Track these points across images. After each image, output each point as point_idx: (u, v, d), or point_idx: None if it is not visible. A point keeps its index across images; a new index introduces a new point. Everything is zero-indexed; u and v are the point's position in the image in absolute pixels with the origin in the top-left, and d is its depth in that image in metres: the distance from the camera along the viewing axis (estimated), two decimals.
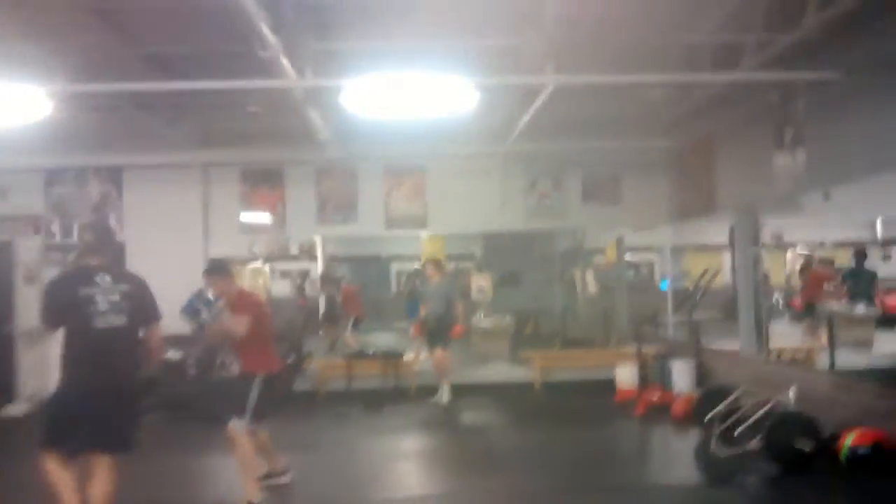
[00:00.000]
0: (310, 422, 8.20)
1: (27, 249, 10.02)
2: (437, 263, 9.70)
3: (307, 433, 7.61)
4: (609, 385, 9.22)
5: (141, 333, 4.59)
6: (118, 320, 4.37)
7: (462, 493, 5.76)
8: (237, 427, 5.19)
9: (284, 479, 5.75)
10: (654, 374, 9.01)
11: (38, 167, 9.91)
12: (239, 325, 5.24)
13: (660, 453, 7.39)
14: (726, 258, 12.26)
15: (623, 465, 6.67)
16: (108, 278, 4.42)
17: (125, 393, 4.48)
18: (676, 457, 6.93)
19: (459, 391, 9.46)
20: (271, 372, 5.47)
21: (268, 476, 5.69)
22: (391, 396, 9.20)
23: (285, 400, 5.76)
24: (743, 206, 8.25)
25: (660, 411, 8.00)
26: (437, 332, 9.24)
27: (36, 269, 9.97)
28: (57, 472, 4.33)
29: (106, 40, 6.39)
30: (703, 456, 6.44)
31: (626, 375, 9.19)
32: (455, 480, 6.17)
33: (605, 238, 14.86)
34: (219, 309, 5.21)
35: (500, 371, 10.40)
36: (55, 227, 10.04)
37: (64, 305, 4.37)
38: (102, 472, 4.40)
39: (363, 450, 7.16)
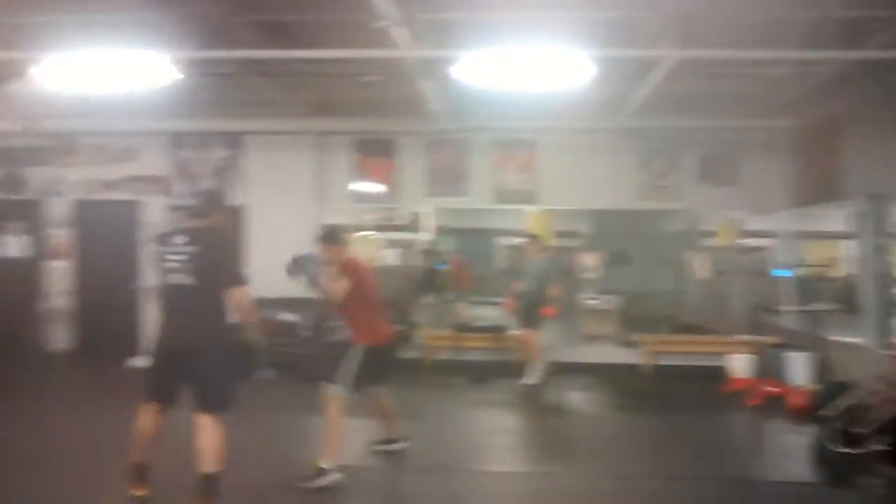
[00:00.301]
0: (416, 390, 8.30)
1: (152, 209, 10.53)
2: (537, 240, 9.51)
3: (413, 401, 7.67)
4: (720, 373, 8.91)
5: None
6: (186, 279, 4.54)
7: (565, 473, 5.69)
8: (331, 392, 5.23)
9: (399, 446, 5.80)
10: (769, 365, 8.63)
11: (165, 130, 10.34)
12: (338, 287, 5.27)
13: (773, 447, 7.09)
14: (847, 247, 11.64)
15: (734, 457, 6.45)
16: (183, 239, 4.61)
17: (202, 351, 4.55)
18: (791, 452, 6.58)
19: (565, 370, 9.40)
20: (376, 343, 5.43)
21: (386, 441, 5.78)
22: (496, 370, 9.19)
23: (393, 368, 5.73)
24: (869, 193, 7.74)
25: (774, 403, 7.67)
26: (528, 311, 9.09)
27: (160, 229, 10.44)
28: (139, 417, 4.68)
29: (228, 8, 6.54)
30: (819, 453, 6.10)
31: (739, 364, 8.86)
32: (558, 460, 6.13)
33: (719, 220, 14.33)
34: (324, 271, 5.26)
35: (607, 352, 10.21)
36: (179, 189, 10.48)
37: (152, 262, 4.75)
38: (201, 427, 4.53)
39: (466, 422, 7.23)
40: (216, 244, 4.70)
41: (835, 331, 8.54)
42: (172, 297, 4.61)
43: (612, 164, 9.88)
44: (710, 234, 15.21)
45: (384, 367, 5.60)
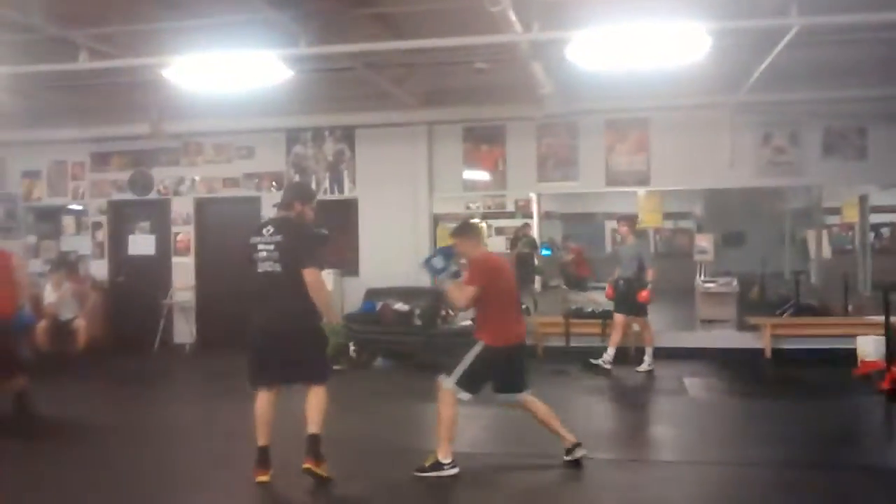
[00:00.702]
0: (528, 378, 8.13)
1: (270, 204, 10.85)
2: (631, 221, 9.27)
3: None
4: (848, 356, 8.49)
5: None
6: (274, 267, 4.86)
7: (688, 462, 5.52)
8: (443, 384, 5.07)
9: (580, 454, 5.19)
10: None
11: (280, 127, 10.67)
12: (461, 295, 5.09)
13: None
14: None
15: (868, 444, 6.13)
16: (271, 230, 4.94)
17: (294, 334, 4.87)
18: None
19: (684, 355, 9.26)
20: (498, 344, 5.06)
21: (570, 450, 5.21)
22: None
23: (519, 372, 5.27)
24: None
25: None
26: (624, 296, 8.86)
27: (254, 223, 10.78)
28: (256, 399, 4.99)
29: (341, 3, 6.67)
30: None
31: (869, 346, 8.40)
32: (681, 448, 5.95)
33: (843, 196, 13.60)
34: (455, 270, 5.19)
35: (726, 336, 9.91)
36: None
37: (244, 252, 5.02)
38: (309, 398, 4.93)
39: (580, 409, 7.11)
40: (295, 231, 4.94)
41: None
42: (264, 285, 4.92)
43: (730, 140, 9.50)
44: (834, 212, 14.51)
45: (505, 369, 5.16)
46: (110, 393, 8.48)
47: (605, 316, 9.59)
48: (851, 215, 15.01)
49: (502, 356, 5.10)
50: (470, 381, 5.03)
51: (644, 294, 8.72)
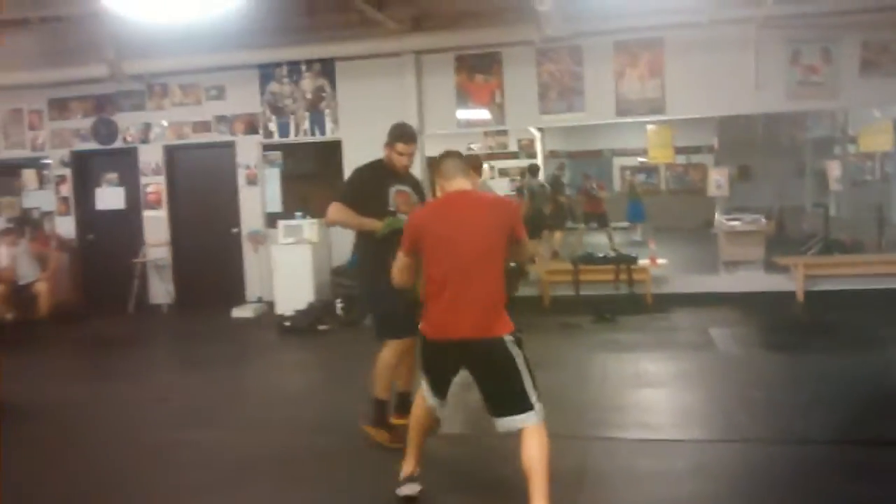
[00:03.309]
0: (535, 333, 6.84)
1: (247, 150, 9.90)
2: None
3: (533, 346, 6.64)
4: (890, 298, 7.61)
5: None
6: None
7: (727, 441, 4.49)
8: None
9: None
10: None
11: (252, 63, 9.63)
12: (394, 268, 3.65)
13: None
14: None
15: None
16: None
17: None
18: None
19: (707, 301, 8.47)
20: (427, 335, 3.42)
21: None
22: (624, 306, 8.18)
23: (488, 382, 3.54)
24: None
25: None
26: None
27: (257, 170, 9.86)
28: None
29: None
30: None
31: None
32: (717, 422, 4.89)
33: (866, 122, 12.66)
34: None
35: (753, 279, 9.00)
36: (272, 126, 9.79)
37: None
38: None
39: (598, 370, 6.21)
40: None
41: None
42: None
43: (755, 60, 8.43)
44: (855, 140, 13.61)
45: (479, 377, 3.44)
46: (71, 364, 7.67)
47: (621, 261, 8.71)
48: (868, 144, 14.07)
49: (441, 355, 3.45)
50: (427, 382, 3.59)
51: None
